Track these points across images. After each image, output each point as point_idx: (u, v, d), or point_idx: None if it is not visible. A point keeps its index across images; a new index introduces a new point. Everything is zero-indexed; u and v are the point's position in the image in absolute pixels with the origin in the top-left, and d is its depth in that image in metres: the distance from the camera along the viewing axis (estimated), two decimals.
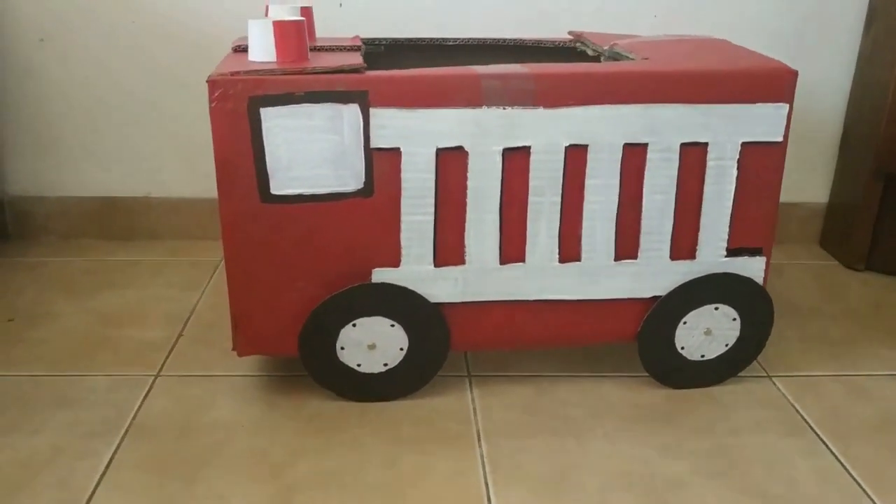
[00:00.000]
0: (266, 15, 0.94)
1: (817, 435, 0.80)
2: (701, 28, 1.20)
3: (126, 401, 0.83)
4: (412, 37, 1.01)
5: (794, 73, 0.77)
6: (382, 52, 0.99)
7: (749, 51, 0.86)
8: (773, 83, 0.77)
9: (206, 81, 0.71)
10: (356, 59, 0.77)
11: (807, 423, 0.82)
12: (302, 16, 0.92)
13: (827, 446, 0.78)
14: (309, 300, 0.78)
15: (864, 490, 0.72)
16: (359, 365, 0.81)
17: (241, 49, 0.86)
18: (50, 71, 1.19)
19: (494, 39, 1.02)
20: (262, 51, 0.76)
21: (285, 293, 0.78)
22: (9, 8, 1.16)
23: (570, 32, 1.06)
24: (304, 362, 0.80)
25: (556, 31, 1.14)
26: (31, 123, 1.21)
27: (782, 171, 0.80)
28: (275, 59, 0.76)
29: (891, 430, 0.81)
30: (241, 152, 0.73)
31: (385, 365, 0.82)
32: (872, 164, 1.14)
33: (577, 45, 1.02)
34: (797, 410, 0.84)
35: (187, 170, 1.24)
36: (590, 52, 0.98)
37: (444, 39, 1.01)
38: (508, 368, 0.90)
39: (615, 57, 0.88)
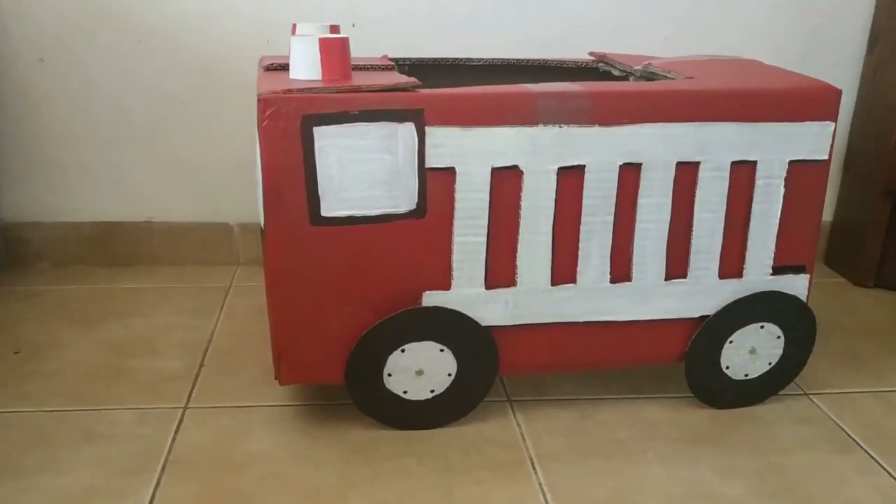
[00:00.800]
0: (294, 33, 0.91)
1: (866, 451, 0.80)
2: (710, 48, 1.21)
3: (157, 435, 0.78)
4: (437, 57, 1.00)
5: (839, 92, 0.78)
6: (406, 73, 0.97)
7: (786, 70, 0.87)
8: (820, 102, 0.77)
9: (258, 99, 0.68)
10: (403, 77, 0.75)
11: (853, 439, 0.82)
12: (331, 34, 0.90)
13: (878, 463, 0.78)
14: (356, 326, 0.75)
15: None
16: (405, 392, 0.78)
17: (275, 67, 0.84)
18: (49, 92, 1.14)
19: (518, 60, 1.01)
20: (307, 69, 0.74)
21: (332, 319, 0.75)
22: (8, 27, 1.11)
23: (590, 53, 1.06)
24: (350, 390, 0.77)
25: (566, 52, 1.14)
26: (27, 146, 1.16)
27: (825, 189, 0.81)
28: (320, 77, 0.74)
29: None
30: (292, 173, 0.70)
31: (432, 391, 0.79)
32: (881, 183, 1.16)
33: (600, 65, 1.02)
34: (840, 427, 0.84)
35: (190, 194, 1.20)
36: (615, 73, 0.98)
37: (468, 60, 1.00)
38: (548, 392, 0.88)
39: (649, 77, 0.88)
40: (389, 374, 0.77)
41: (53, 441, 0.77)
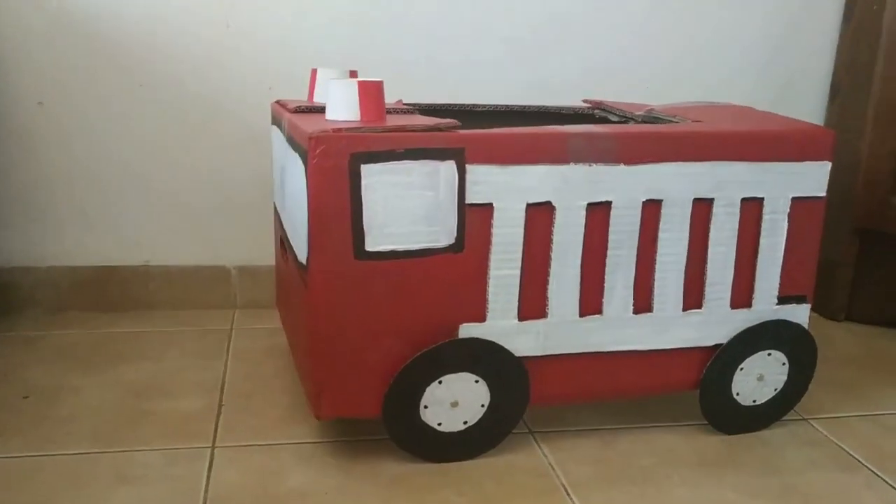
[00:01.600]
0: (314, 79, 0.94)
1: (871, 470, 0.85)
2: (690, 97, 1.29)
3: (190, 475, 0.78)
4: (445, 103, 1.04)
5: (834, 135, 0.85)
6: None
7: (780, 115, 0.94)
8: (818, 143, 0.84)
9: (309, 138, 0.70)
10: (442, 119, 0.78)
11: (856, 459, 0.87)
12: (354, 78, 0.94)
13: (884, 480, 0.83)
14: (394, 358, 0.77)
15: None
16: (440, 424, 0.80)
17: (305, 109, 0.86)
18: (47, 136, 1.13)
19: (519, 106, 1.06)
20: (346, 110, 0.77)
21: (371, 352, 0.76)
22: (7, 70, 1.10)
23: (585, 100, 1.12)
24: (387, 423, 0.78)
25: (555, 100, 1.20)
26: (22, 190, 1.14)
27: (822, 223, 0.87)
28: (359, 118, 0.77)
29: None
30: (339, 209, 0.72)
31: (465, 423, 0.81)
32: (849, 222, 1.25)
33: (596, 112, 1.08)
34: (843, 448, 0.89)
35: (188, 237, 1.20)
36: (613, 119, 1.04)
37: (473, 105, 1.04)
38: (567, 423, 0.91)
39: (652, 122, 0.94)
40: (426, 407, 0.79)
41: (88, 483, 0.75)
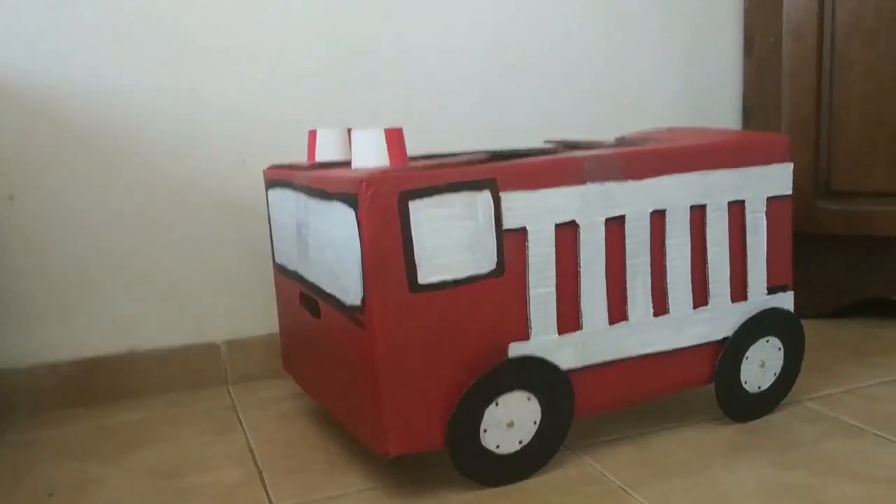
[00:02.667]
0: (313, 139, 0.98)
1: (874, 433, 0.94)
2: (623, 130, 1.41)
3: None
4: (428, 154, 1.10)
5: (789, 140, 0.96)
6: None
7: (732, 129, 1.05)
8: (780, 148, 0.95)
9: (360, 182, 0.74)
10: (472, 154, 0.84)
11: (857, 426, 0.96)
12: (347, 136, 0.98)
13: (888, 439, 0.92)
14: (453, 386, 0.79)
15: None
16: (498, 446, 0.82)
17: (320, 166, 0.90)
18: (19, 229, 1.10)
19: (495, 150, 1.13)
20: (374, 157, 0.81)
21: (432, 383, 0.78)
22: None
23: (546, 140, 1.21)
24: (451, 451, 0.80)
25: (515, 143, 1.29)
26: None
27: (791, 218, 0.98)
28: (387, 164, 0.81)
29: None
30: (392, 246, 0.75)
31: (520, 442, 0.84)
32: None
33: (559, 148, 1.16)
34: (842, 419, 0.98)
35: (174, 317, 1.18)
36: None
37: (452, 154, 1.10)
38: (596, 435, 0.95)
39: (630, 145, 1.03)
40: (485, 430, 0.81)
41: None
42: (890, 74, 1.26)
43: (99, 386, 1.14)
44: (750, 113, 1.47)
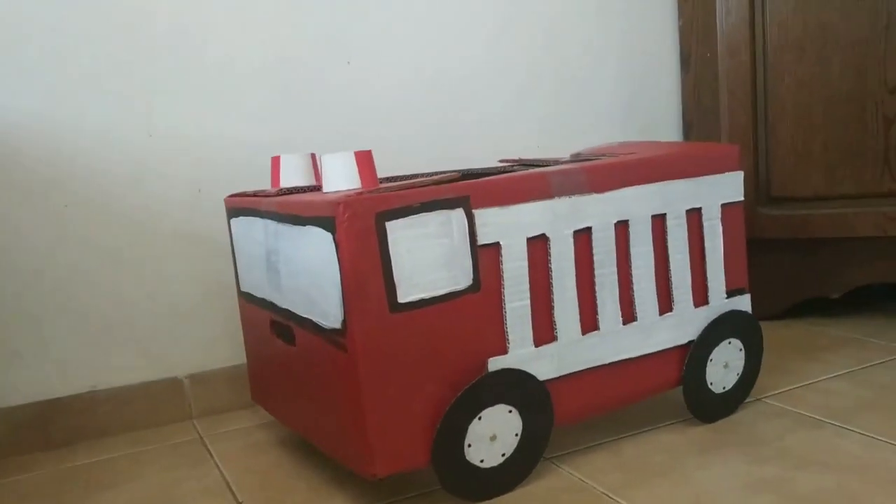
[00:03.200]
0: (277, 165, 0.97)
1: (833, 424, 0.98)
2: (570, 148, 1.45)
3: None
4: (388, 176, 1.11)
5: (738, 148, 1.01)
6: None
7: (682, 142, 1.09)
8: (730, 157, 0.99)
9: (336, 205, 0.74)
10: (444, 174, 0.85)
11: (817, 419, 1.00)
12: (312, 161, 0.98)
13: (848, 429, 0.97)
14: (436, 404, 0.80)
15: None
16: (482, 461, 0.83)
17: (287, 192, 0.89)
18: None
19: (453, 171, 1.15)
20: (345, 179, 0.82)
21: (415, 402, 0.79)
22: None
23: (501, 160, 1.23)
24: (437, 468, 0.80)
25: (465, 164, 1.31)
26: None
27: (744, 224, 1.02)
28: (359, 186, 0.82)
29: (868, 408, 1.02)
30: (370, 266, 0.76)
31: (503, 455, 0.84)
32: None
33: (515, 167, 1.19)
34: (802, 413, 1.02)
35: (132, 353, 1.15)
36: None
37: (413, 175, 1.12)
38: (571, 445, 0.97)
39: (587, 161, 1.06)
40: (469, 445, 0.82)
41: None
42: (819, 85, 1.33)
43: (57, 429, 1.10)
44: (690, 126, 1.53)
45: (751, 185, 1.42)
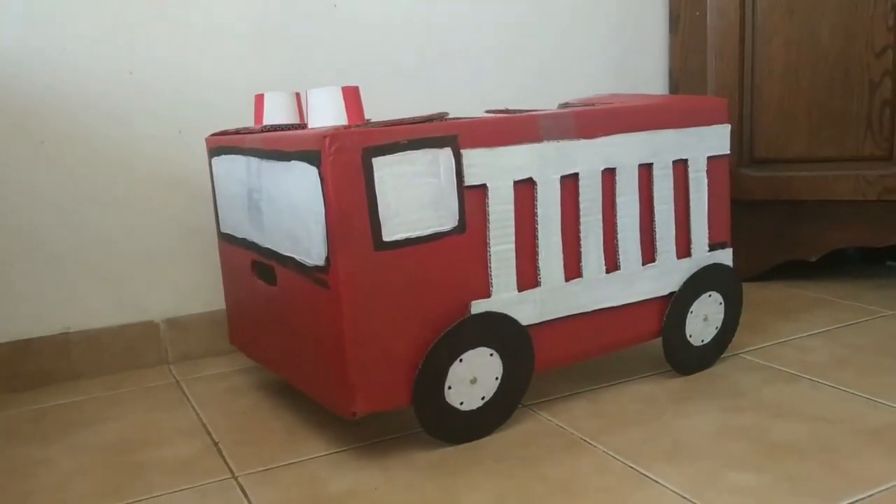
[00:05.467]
0: (261, 103, 0.95)
1: (807, 378, 1.00)
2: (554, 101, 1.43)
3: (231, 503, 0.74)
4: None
5: (727, 102, 1.01)
6: None
7: (673, 94, 1.09)
8: (719, 110, 0.99)
9: (323, 138, 0.73)
10: (432, 111, 0.84)
11: (792, 373, 1.01)
12: (297, 101, 0.96)
13: (821, 383, 0.98)
14: (417, 344, 0.79)
15: (870, 399, 0.92)
16: (461, 403, 0.83)
17: (271, 129, 0.88)
18: None
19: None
20: (332, 115, 0.80)
21: (397, 341, 0.78)
22: None
23: (487, 111, 1.22)
24: (417, 409, 0.80)
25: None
26: None
27: (729, 177, 1.02)
28: (346, 122, 0.80)
29: (842, 364, 1.04)
30: (356, 203, 0.74)
31: (483, 399, 0.84)
32: None
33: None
34: (778, 368, 1.03)
35: (108, 295, 1.13)
36: None
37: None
38: (551, 393, 0.97)
39: None
40: (449, 388, 0.82)
41: None
42: (806, 47, 1.33)
43: (28, 371, 1.08)
44: (676, 87, 1.52)
45: (734, 146, 1.42)
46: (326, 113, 0.80)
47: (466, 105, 1.34)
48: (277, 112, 0.94)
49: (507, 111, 1.17)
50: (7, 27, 1.04)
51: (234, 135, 0.94)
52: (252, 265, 0.94)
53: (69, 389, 1.08)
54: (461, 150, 0.80)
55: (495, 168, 0.82)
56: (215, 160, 1.00)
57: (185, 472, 0.81)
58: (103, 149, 1.11)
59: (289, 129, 0.88)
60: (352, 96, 0.81)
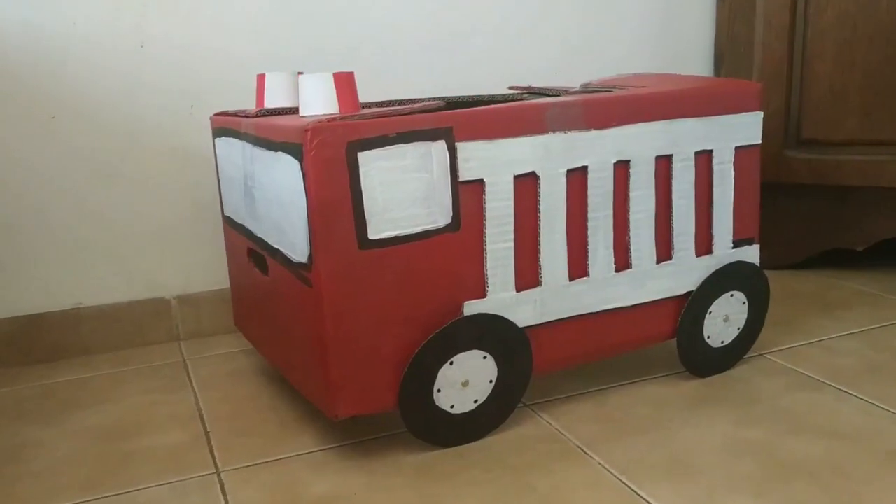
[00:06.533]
0: (262, 84, 0.92)
1: (834, 387, 0.93)
2: (590, 76, 1.36)
3: (208, 502, 0.73)
4: (383, 100, 1.04)
5: (760, 87, 0.93)
6: None
7: (702, 76, 1.01)
8: (750, 96, 0.91)
9: (304, 131, 0.69)
10: (427, 101, 0.79)
11: (818, 380, 0.95)
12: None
13: (848, 392, 0.91)
14: (406, 346, 0.76)
15: None
16: (452, 406, 0.80)
17: (269, 113, 0.84)
18: None
19: (455, 97, 1.08)
20: (322, 103, 0.76)
21: (383, 343, 0.75)
22: None
23: (510, 87, 1.16)
24: (404, 413, 0.77)
25: (473, 92, 1.24)
26: None
27: (759, 169, 0.95)
28: (337, 111, 0.76)
29: (874, 371, 0.97)
30: (339, 199, 0.71)
31: (475, 402, 0.81)
32: None
33: (524, 95, 1.12)
34: (803, 373, 0.97)
35: (120, 272, 1.13)
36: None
37: (410, 101, 1.05)
38: (557, 392, 0.93)
39: (595, 92, 0.99)
40: (439, 390, 0.78)
41: None
42: (863, 19, 1.22)
43: (42, 344, 1.09)
44: (721, 57, 1.42)
45: (780, 125, 1.33)
46: (317, 101, 0.76)
47: (490, 82, 1.28)
48: (278, 94, 0.90)
49: (529, 89, 1.11)
50: (17, 1, 1.02)
51: (233, 116, 0.90)
52: (248, 252, 0.92)
53: (79, 365, 1.09)
54: (456, 143, 0.75)
55: (494, 162, 0.77)
56: (218, 141, 0.97)
57: (171, 464, 0.80)
58: (114, 123, 1.09)
59: (286, 114, 0.84)
60: (344, 83, 0.76)
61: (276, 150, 0.76)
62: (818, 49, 1.28)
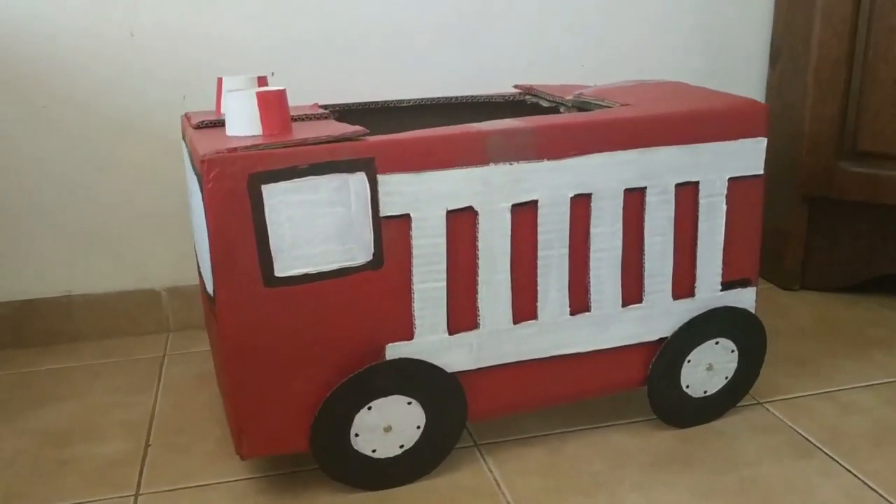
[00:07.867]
0: (219, 87, 0.88)
1: (826, 454, 0.82)
2: (627, 73, 1.24)
3: None
4: (365, 101, 0.98)
5: (767, 108, 0.81)
6: (337, 119, 0.95)
7: (712, 90, 0.89)
8: (751, 118, 0.80)
9: (201, 161, 0.64)
10: (349, 126, 0.73)
11: (812, 444, 0.84)
12: (261, 86, 0.88)
13: (840, 464, 0.80)
14: (319, 388, 0.71)
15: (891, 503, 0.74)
16: (374, 451, 0.75)
17: (207, 125, 0.80)
18: None
19: (446, 98, 1.01)
20: (245, 125, 0.71)
21: (293, 384, 0.71)
22: None
23: (515, 86, 1.07)
24: (316, 456, 0.73)
25: (490, 87, 1.15)
26: None
27: (763, 202, 0.83)
28: (260, 133, 0.71)
29: (883, 438, 0.85)
30: (241, 235, 0.66)
31: (401, 447, 0.76)
32: (797, 191, 1.22)
33: (527, 97, 1.03)
34: (798, 433, 0.86)
35: (112, 262, 1.13)
36: (544, 104, 0.99)
37: (397, 102, 0.99)
38: (513, 431, 0.87)
39: (582, 107, 0.89)
40: (356, 435, 0.74)
41: None
42: None
43: (34, 329, 1.12)
44: (777, 53, 1.27)
45: (833, 134, 1.17)
46: (239, 121, 0.71)
47: (505, 75, 1.18)
48: None
49: (532, 89, 1.02)
50: None
51: (187, 121, 0.87)
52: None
53: (67, 352, 1.11)
54: (378, 176, 0.68)
55: (422, 196, 0.70)
56: (182, 143, 0.95)
57: (96, 479, 0.80)
58: (105, 112, 1.08)
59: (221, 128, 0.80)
60: (270, 102, 0.71)
61: (195, 172, 0.72)
62: (883, 50, 1.11)
